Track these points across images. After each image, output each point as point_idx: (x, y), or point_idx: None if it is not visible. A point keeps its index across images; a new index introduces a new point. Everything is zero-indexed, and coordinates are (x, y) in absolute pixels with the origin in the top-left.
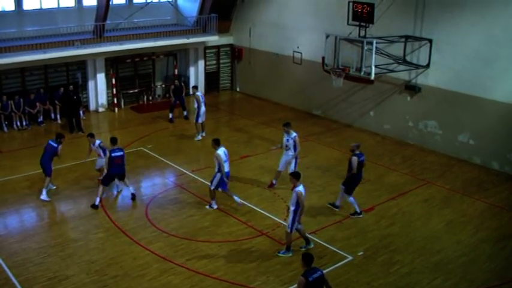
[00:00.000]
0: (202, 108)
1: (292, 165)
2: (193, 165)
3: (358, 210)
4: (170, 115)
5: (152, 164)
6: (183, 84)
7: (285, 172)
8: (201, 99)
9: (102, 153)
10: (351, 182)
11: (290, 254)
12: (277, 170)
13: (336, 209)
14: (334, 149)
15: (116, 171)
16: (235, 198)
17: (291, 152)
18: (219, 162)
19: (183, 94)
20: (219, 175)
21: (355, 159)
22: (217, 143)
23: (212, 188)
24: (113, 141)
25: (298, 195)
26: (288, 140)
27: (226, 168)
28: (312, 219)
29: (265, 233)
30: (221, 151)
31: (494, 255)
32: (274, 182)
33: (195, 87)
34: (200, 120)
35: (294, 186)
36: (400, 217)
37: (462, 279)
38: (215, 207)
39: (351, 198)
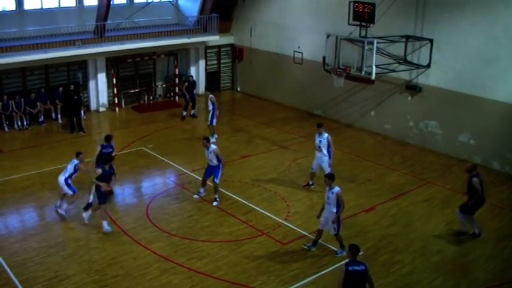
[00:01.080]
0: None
1: (325, 164)
2: (194, 164)
3: (477, 232)
4: (184, 113)
5: (153, 163)
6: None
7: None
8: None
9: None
10: (476, 204)
11: (345, 251)
12: (311, 171)
13: (478, 238)
14: (335, 148)
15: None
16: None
17: (323, 153)
18: (218, 155)
19: (195, 91)
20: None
21: (476, 180)
22: (208, 141)
23: (218, 182)
24: (107, 138)
25: (339, 196)
26: (320, 141)
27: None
28: (312, 219)
29: (265, 233)
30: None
31: (495, 256)
32: (310, 182)
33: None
34: (215, 122)
35: (330, 188)
36: (400, 217)
37: (463, 280)
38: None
39: (468, 219)
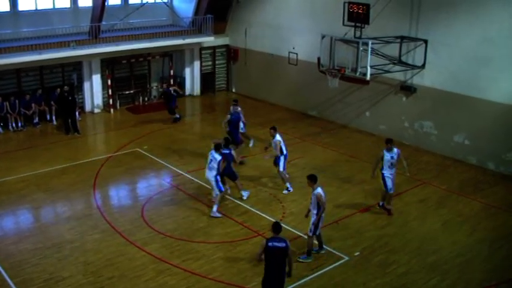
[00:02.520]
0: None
1: (389, 182)
2: (189, 166)
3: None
4: (177, 115)
5: (148, 164)
6: (172, 91)
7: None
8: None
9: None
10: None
11: (310, 260)
12: (388, 193)
13: None
14: (330, 149)
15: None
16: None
17: (394, 170)
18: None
19: (175, 103)
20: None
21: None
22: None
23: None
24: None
25: (318, 198)
26: (392, 158)
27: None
28: (308, 220)
29: (261, 234)
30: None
31: (491, 256)
32: (381, 203)
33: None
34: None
35: (313, 190)
36: (396, 217)
37: (458, 280)
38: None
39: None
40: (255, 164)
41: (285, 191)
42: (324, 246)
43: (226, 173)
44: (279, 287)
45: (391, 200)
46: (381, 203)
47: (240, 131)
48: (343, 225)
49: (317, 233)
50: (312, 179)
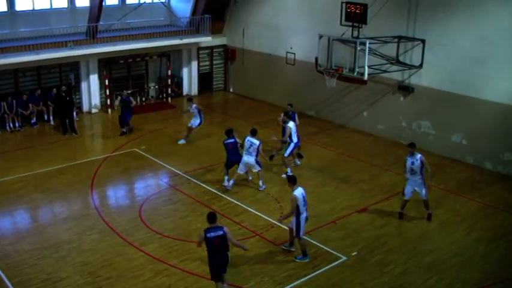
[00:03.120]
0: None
1: (423, 190)
2: (187, 166)
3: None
4: (124, 130)
5: (145, 165)
6: (131, 98)
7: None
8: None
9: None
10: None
11: (308, 259)
12: (404, 199)
13: None
14: (328, 149)
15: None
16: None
17: (418, 176)
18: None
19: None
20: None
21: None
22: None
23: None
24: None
25: (292, 200)
26: (413, 163)
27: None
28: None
29: (258, 234)
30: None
31: (488, 255)
32: (403, 212)
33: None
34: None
35: (292, 190)
36: (393, 217)
37: (456, 279)
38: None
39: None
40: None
41: (283, 175)
42: (321, 246)
43: (236, 159)
44: (223, 269)
45: (425, 205)
46: (403, 212)
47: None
48: (340, 225)
49: (300, 235)
50: (291, 181)
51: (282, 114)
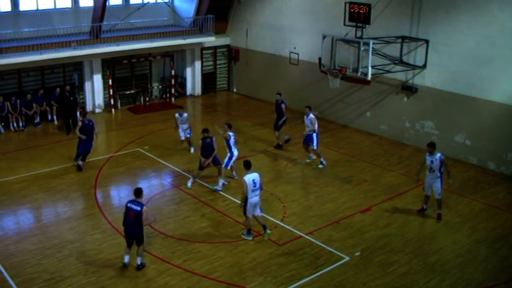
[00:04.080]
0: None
1: (437, 189)
2: (190, 166)
3: None
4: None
5: (149, 165)
6: (94, 123)
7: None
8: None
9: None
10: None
11: (251, 237)
12: (424, 194)
13: None
14: (331, 149)
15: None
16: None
17: (435, 174)
18: (314, 123)
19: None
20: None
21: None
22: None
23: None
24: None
25: (243, 182)
26: (432, 162)
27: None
28: (309, 220)
29: (262, 234)
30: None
31: (491, 256)
32: (424, 207)
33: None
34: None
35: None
36: (396, 217)
37: (459, 280)
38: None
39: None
40: (256, 164)
41: (320, 165)
42: (324, 246)
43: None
44: (133, 240)
45: (438, 204)
46: (424, 207)
47: (187, 135)
48: (343, 225)
49: (247, 214)
50: (245, 166)
51: (226, 126)
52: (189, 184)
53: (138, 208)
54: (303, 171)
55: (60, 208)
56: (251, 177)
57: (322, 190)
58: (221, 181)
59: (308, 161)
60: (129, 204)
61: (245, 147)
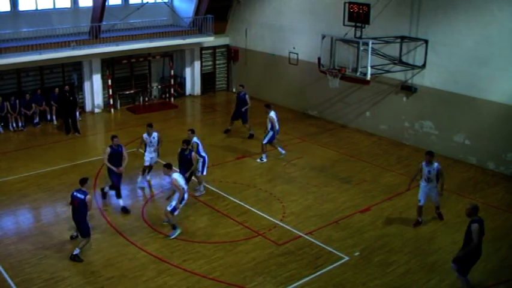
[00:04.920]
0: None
1: (435, 198)
2: None
3: None
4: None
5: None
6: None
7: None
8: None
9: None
10: (470, 258)
11: (179, 232)
12: (418, 205)
13: None
14: (330, 149)
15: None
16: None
17: (433, 184)
18: (272, 123)
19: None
20: (271, 133)
21: (476, 226)
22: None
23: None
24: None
25: (173, 183)
26: (429, 172)
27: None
28: (308, 219)
29: (261, 234)
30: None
31: (490, 256)
32: (420, 219)
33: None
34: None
35: (169, 176)
36: (396, 217)
37: (458, 280)
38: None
39: (466, 280)
40: (254, 165)
41: (258, 160)
42: (323, 246)
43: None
44: (78, 228)
45: (439, 207)
46: (419, 219)
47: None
48: (343, 225)
49: (175, 213)
50: (167, 167)
51: (189, 132)
52: (197, 193)
53: (82, 196)
54: (302, 171)
55: (59, 208)
56: (178, 174)
57: (321, 190)
58: (200, 187)
59: (282, 156)
60: (74, 193)
61: (244, 147)
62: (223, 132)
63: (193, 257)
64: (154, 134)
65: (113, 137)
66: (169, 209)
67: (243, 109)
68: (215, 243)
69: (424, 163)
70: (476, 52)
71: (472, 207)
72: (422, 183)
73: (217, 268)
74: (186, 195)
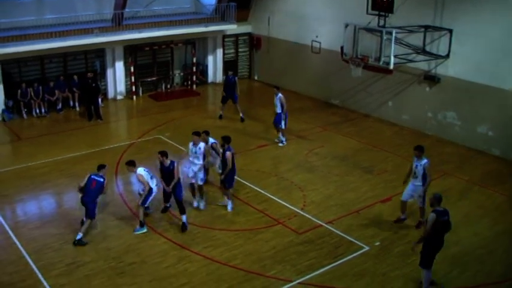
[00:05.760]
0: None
1: (421, 193)
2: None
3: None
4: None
5: (170, 152)
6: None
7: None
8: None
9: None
10: (428, 250)
11: (145, 230)
12: (401, 200)
13: None
14: (352, 139)
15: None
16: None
17: (418, 182)
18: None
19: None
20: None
21: (431, 216)
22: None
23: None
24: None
25: (139, 178)
26: (416, 167)
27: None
28: (329, 209)
29: (281, 222)
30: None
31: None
32: (402, 216)
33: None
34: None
35: (134, 172)
36: (416, 208)
37: (479, 272)
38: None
39: (427, 274)
40: (276, 153)
41: (280, 144)
42: (343, 235)
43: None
44: (87, 208)
45: (421, 212)
46: (402, 216)
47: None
48: (363, 215)
49: (145, 205)
50: (130, 164)
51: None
52: (229, 208)
53: (101, 180)
54: (323, 160)
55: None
56: (143, 169)
57: (342, 179)
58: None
59: (277, 140)
60: (92, 176)
61: (266, 135)
62: (242, 121)
63: (214, 244)
64: (201, 145)
65: (162, 154)
66: (140, 203)
67: (236, 92)
68: (236, 231)
69: (414, 157)
70: (501, 42)
71: (434, 196)
72: (411, 179)
73: (237, 255)
74: (154, 188)
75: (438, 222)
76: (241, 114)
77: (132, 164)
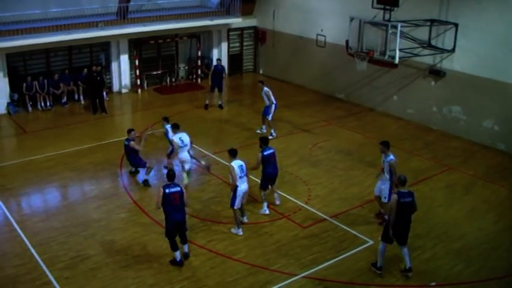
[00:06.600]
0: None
1: (385, 191)
2: (216, 147)
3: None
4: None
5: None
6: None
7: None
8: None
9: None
10: (388, 227)
11: (239, 232)
12: (374, 195)
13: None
14: (357, 133)
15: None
16: None
17: (385, 177)
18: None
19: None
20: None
21: (393, 196)
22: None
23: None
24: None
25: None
26: (383, 162)
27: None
28: (333, 203)
29: (286, 216)
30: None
31: None
32: (382, 210)
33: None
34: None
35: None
36: (421, 202)
37: (483, 267)
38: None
39: (382, 246)
40: (280, 147)
41: (270, 136)
42: (348, 229)
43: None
44: (183, 225)
45: (380, 207)
46: (381, 211)
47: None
48: (368, 209)
49: (235, 207)
50: (230, 153)
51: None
52: (266, 211)
53: (179, 188)
54: (328, 154)
55: (86, 187)
56: (238, 164)
57: (347, 173)
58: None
59: (258, 131)
60: (167, 190)
61: (270, 129)
62: (220, 108)
63: (218, 237)
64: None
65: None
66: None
67: (223, 81)
68: (240, 224)
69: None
70: (507, 37)
71: (398, 178)
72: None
73: (241, 249)
74: (241, 188)
75: (400, 203)
76: (220, 102)
77: (231, 154)
